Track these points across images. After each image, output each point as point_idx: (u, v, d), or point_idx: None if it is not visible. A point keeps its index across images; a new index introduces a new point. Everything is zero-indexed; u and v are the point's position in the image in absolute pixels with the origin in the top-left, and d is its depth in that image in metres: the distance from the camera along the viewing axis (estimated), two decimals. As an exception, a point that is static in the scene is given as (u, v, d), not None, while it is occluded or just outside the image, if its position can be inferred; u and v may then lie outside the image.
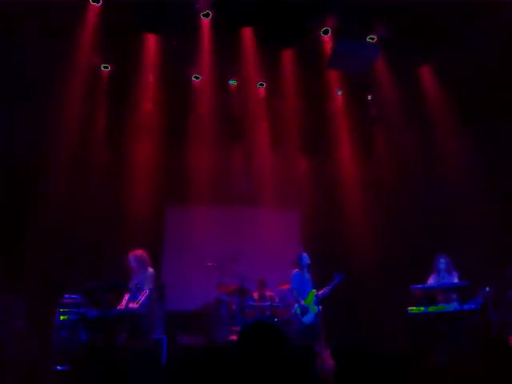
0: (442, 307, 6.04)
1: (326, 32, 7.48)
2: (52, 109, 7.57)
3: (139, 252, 6.11)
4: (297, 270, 6.87)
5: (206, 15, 7.14)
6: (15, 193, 7.29)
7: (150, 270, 6.11)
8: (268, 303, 7.41)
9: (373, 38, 7.14)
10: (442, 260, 6.44)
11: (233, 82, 8.84)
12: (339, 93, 9.01)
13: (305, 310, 6.61)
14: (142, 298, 5.82)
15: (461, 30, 6.69)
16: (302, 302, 6.67)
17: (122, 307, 5.85)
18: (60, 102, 7.60)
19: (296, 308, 6.68)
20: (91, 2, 7.06)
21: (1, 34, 6.63)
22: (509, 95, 7.44)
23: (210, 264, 7.38)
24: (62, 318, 5.84)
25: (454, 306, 6.03)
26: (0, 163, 7.23)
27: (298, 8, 6.57)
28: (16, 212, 7.23)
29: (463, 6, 6.21)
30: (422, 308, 6.01)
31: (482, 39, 6.60)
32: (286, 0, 6.39)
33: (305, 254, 6.94)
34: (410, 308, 6.10)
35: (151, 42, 7.75)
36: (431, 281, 6.47)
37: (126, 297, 5.97)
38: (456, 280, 6.36)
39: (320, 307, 6.60)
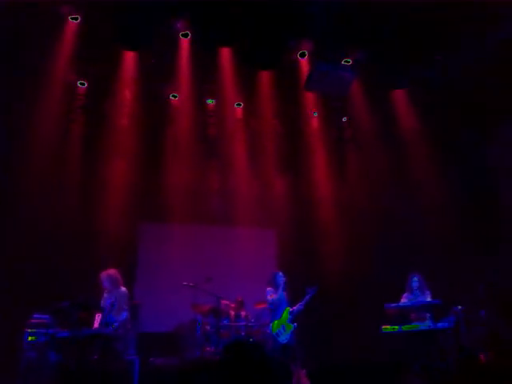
0: (415, 326, 6.11)
1: (302, 55, 7.66)
2: (26, 124, 7.45)
3: (112, 271, 6.01)
4: (270, 288, 6.82)
5: (185, 35, 7.22)
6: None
7: (123, 289, 6.01)
8: (243, 323, 7.35)
9: (348, 61, 7.34)
10: (415, 278, 6.54)
11: (210, 101, 8.91)
12: (315, 114, 9.18)
13: (280, 330, 6.55)
14: (121, 320, 5.71)
15: (434, 54, 6.92)
16: (277, 322, 6.62)
17: (95, 327, 5.71)
18: (35, 117, 7.49)
19: (272, 327, 6.62)
20: (69, 20, 7.03)
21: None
22: (481, 118, 7.70)
23: (185, 283, 7.26)
24: (30, 338, 5.66)
25: (427, 324, 6.11)
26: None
27: (275, 31, 6.71)
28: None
29: (437, 30, 6.43)
30: (397, 327, 6.06)
31: (456, 63, 6.84)
32: (264, 23, 6.50)
33: (279, 273, 6.90)
34: (383, 327, 6.14)
35: (129, 58, 7.75)
36: (404, 299, 6.55)
37: (98, 316, 5.82)
38: (429, 299, 6.45)
39: (295, 324, 6.56)
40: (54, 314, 5.55)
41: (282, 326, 6.55)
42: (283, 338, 6.48)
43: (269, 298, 6.72)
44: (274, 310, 6.67)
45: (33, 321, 5.71)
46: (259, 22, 6.46)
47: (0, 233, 7.07)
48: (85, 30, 7.03)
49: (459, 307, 6.28)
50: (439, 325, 6.03)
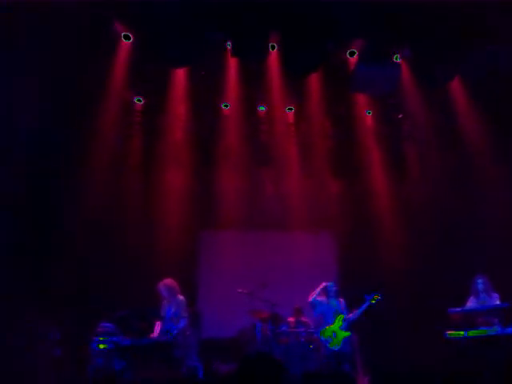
0: (483, 331, 5.76)
1: (352, 54, 7.49)
2: (89, 139, 7.87)
3: (168, 281, 6.19)
4: (323, 297, 6.75)
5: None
6: (50, 219, 7.55)
7: (181, 297, 6.17)
8: (303, 329, 7.31)
9: (397, 58, 7.10)
10: (480, 281, 6.17)
11: (262, 108, 8.97)
12: (369, 113, 8.97)
13: (331, 337, 6.46)
14: (179, 327, 5.90)
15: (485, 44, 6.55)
16: (328, 329, 6.54)
17: (155, 336, 5.92)
18: (96, 133, 7.90)
19: (321, 333, 6.54)
20: (123, 40, 7.36)
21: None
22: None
23: (239, 290, 7.35)
24: (101, 346, 5.98)
25: (495, 329, 5.74)
26: (33, 194, 7.50)
27: (319, 32, 6.63)
28: (52, 238, 7.47)
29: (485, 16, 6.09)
30: (462, 332, 5.75)
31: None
32: (307, 26, 6.44)
33: (330, 283, 6.80)
34: (448, 332, 5.86)
35: (180, 73, 8.00)
36: (470, 303, 6.20)
37: (158, 325, 6.03)
38: (497, 302, 6.07)
39: (350, 333, 6.43)
40: (117, 323, 5.82)
41: (333, 333, 6.45)
42: (334, 346, 6.37)
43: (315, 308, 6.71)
44: (323, 318, 6.59)
45: (100, 329, 6.04)
46: (301, 24, 6.39)
47: (65, 243, 7.50)
48: (137, 48, 7.34)
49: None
50: (509, 330, 5.64)
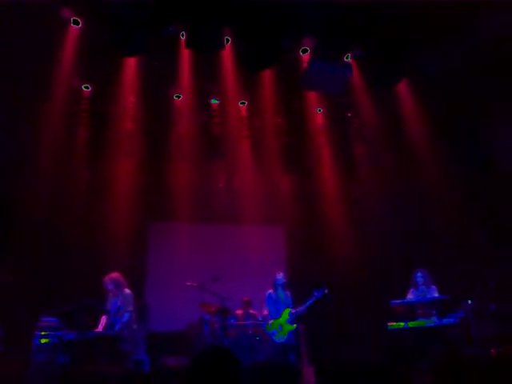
0: (421, 322, 6.07)
1: (304, 51, 7.60)
2: (32, 127, 7.55)
3: (114, 275, 6.08)
4: (270, 290, 6.87)
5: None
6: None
7: (127, 291, 6.08)
8: (250, 321, 7.39)
9: (347, 57, 7.29)
10: (419, 274, 6.49)
11: (214, 101, 8.92)
12: (319, 111, 9.15)
13: (277, 329, 6.59)
14: (123, 321, 5.80)
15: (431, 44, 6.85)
16: (275, 322, 6.66)
17: (100, 330, 5.80)
18: (40, 121, 7.59)
19: (267, 327, 6.67)
20: (72, 24, 7.09)
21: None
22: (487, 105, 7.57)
23: (189, 283, 7.33)
24: (43, 341, 5.78)
25: (433, 320, 6.06)
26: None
27: (275, 29, 6.69)
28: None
29: (435, 18, 6.36)
30: (402, 323, 6.03)
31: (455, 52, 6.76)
32: (263, 22, 6.48)
33: (279, 274, 6.90)
34: (390, 323, 6.12)
35: (131, 61, 7.81)
36: (410, 295, 6.51)
37: (103, 319, 5.91)
38: (436, 294, 6.40)
39: (296, 325, 6.57)
40: (61, 317, 5.64)
41: (279, 326, 6.58)
42: (279, 338, 6.51)
43: (266, 298, 6.81)
44: (272, 311, 6.72)
45: (41, 323, 5.84)
46: (257, 20, 6.42)
47: (7, 235, 7.18)
48: (86, 34, 7.09)
49: (469, 301, 6.21)
50: (445, 320, 5.98)
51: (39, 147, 7.65)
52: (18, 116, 7.47)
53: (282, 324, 6.60)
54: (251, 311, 7.88)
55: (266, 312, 7.52)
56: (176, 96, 8.59)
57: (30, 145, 7.58)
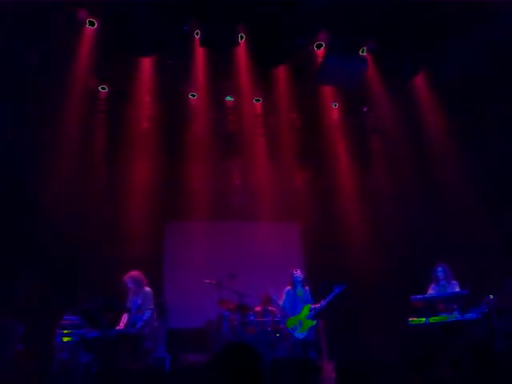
0: (443, 317, 6.00)
1: (319, 46, 7.54)
2: (50, 128, 7.65)
3: (135, 273, 6.14)
4: (288, 287, 6.86)
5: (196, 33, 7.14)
6: (13, 212, 7.33)
7: (148, 289, 6.13)
8: (269, 318, 7.39)
9: (363, 51, 7.23)
10: (441, 269, 6.41)
11: (229, 99, 8.92)
12: (335, 105, 9.09)
13: (297, 325, 6.59)
14: (144, 319, 5.86)
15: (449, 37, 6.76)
16: (294, 318, 6.65)
17: (121, 328, 5.85)
18: (58, 122, 7.68)
19: (287, 323, 6.68)
20: (87, 26, 7.14)
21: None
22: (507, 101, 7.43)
23: (207, 281, 7.36)
24: (65, 339, 5.87)
25: (455, 315, 5.98)
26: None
27: (288, 25, 6.66)
28: (14, 232, 7.26)
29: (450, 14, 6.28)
30: (423, 319, 5.96)
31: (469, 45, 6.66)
32: (277, 18, 6.46)
33: (296, 271, 6.93)
34: (410, 319, 6.06)
35: (147, 61, 7.84)
36: (431, 291, 6.43)
37: (125, 317, 5.97)
38: (457, 289, 6.32)
39: (316, 321, 6.56)
40: (82, 315, 5.71)
41: (299, 322, 6.58)
42: (299, 334, 6.51)
43: (284, 296, 6.84)
44: (290, 307, 6.72)
45: (64, 322, 5.92)
46: (270, 16, 6.40)
47: (28, 235, 7.30)
48: (102, 34, 7.15)
49: (491, 296, 6.11)
50: (467, 316, 5.89)
51: (57, 148, 7.74)
52: (36, 117, 7.55)
53: (302, 320, 6.60)
54: (270, 308, 7.87)
55: (271, 308, 7.55)
56: (191, 95, 8.61)
57: (48, 146, 7.67)
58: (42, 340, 6.00)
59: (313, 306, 6.65)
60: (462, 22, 6.30)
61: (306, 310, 6.63)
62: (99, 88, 8.31)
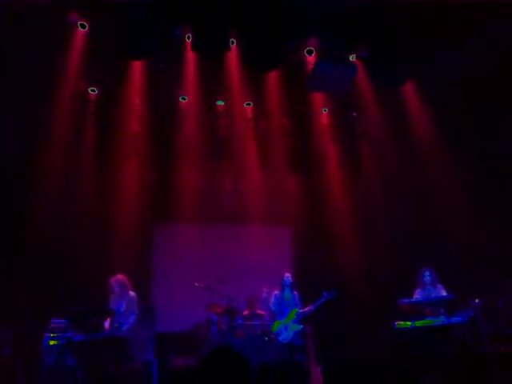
0: (429, 321, 6.05)
1: (309, 52, 7.60)
2: (40, 130, 7.61)
3: (120, 277, 6.14)
4: (277, 291, 6.89)
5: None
6: (1, 217, 7.29)
7: (132, 293, 6.14)
8: (258, 322, 7.40)
9: (353, 57, 7.31)
10: (427, 273, 6.47)
11: (220, 103, 8.94)
12: (325, 111, 9.16)
13: (282, 329, 6.62)
14: (130, 322, 5.85)
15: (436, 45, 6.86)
16: (280, 322, 6.68)
17: (107, 331, 5.83)
18: (48, 123, 7.65)
19: (271, 327, 6.69)
20: (78, 28, 7.14)
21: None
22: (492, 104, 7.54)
23: (196, 285, 7.36)
24: (51, 342, 5.82)
25: (441, 319, 6.04)
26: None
27: (279, 30, 6.72)
28: (1, 236, 7.21)
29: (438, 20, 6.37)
30: (410, 323, 6.02)
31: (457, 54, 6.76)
32: (268, 23, 6.52)
33: (286, 275, 6.96)
34: (397, 323, 6.11)
35: (137, 64, 7.85)
36: (417, 295, 6.49)
37: (108, 320, 5.94)
38: (443, 293, 6.39)
39: (302, 326, 6.59)
40: (69, 319, 5.68)
41: (285, 326, 6.60)
42: (284, 338, 6.53)
43: (273, 299, 6.86)
44: (277, 311, 6.74)
45: (50, 325, 5.88)
46: (261, 22, 6.46)
47: (15, 238, 7.25)
48: (93, 37, 7.15)
49: (476, 300, 6.19)
50: (453, 319, 5.96)
51: (46, 149, 7.71)
52: (25, 118, 7.51)
53: (288, 324, 6.62)
54: (258, 311, 7.88)
55: (259, 311, 7.57)
56: (182, 98, 8.63)
57: (37, 147, 7.64)
58: (29, 344, 5.95)
59: (300, 311, 6.66)
60: (452, 28, 6.38)
61: (292, 314, 6.65)
62: (89, 90, 8.29)
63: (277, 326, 6.65)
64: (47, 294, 7.19)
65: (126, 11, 6.29)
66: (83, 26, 7.06)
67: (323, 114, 9.16)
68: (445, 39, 6.62)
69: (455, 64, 6.96)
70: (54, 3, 6.32)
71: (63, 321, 5.82)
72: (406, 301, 6.23)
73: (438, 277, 6.48)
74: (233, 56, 7.64)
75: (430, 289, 6.43)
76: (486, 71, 7.03)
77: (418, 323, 6.00)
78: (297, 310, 6.69)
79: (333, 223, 9.37)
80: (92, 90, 8.31)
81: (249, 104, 9.01)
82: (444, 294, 6.37)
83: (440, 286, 6.46)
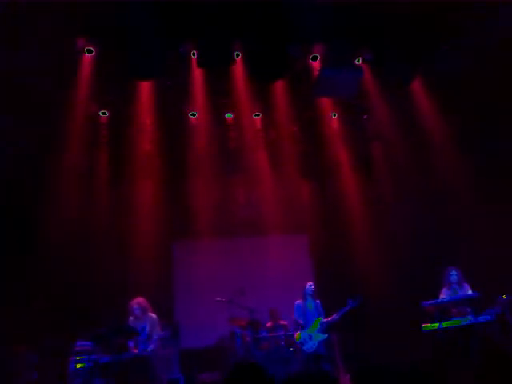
0: (456, 321, 5.93)
1: (314, 58, 7.60)
2: (54, 156, 7.72)
3: (141, 299, 6.16)
4: (300, 300, 6.85)
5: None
6: (20, 239, 7.38)
7: (153, 315, 6.15)
8: (282, 333, 7.34)
9: (358, 60, 7.31)
10: (454, 272, 6.34)
11: (229, 115, 8.98)
12: (334, 116, 9.14)
13: (306, 339, 6.55)
14: (155, 343, 5.87)
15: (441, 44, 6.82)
16: (304, 331, 6.62)
17: (133, 351, 5.83)
18: (61, 149, 7.76)
19: (296, 337, 6.63)
20: (85, 53, 7.25)
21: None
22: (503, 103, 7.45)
23: (218, 299, 7.34)
24: (78, 365, 5.84)
25: (469, 318, 5.91)
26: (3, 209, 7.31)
27: (283, 39, 6.75)
28: (23, 259, 7.30)
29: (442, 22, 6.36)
30: (437, 324, 5.90)
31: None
32: (271, 33, 6.55)
33: (309, 284, 6.93)
34: (424, 325, 6.00)
35: (145, 84, 7.94)
36: (443, 295, 6.37)
37: (133, 342, 5.94)
38: (469, 292, 6.27)
39: (328, 335, 6.52)
40: (94, 341, 5.70)
41: (309, 336, 6.53)
42: (309, 347, 6.46)
43: (295, 309, 6.84)
44: (300, 320, 6.69)
45: (76, 348, 5.90)
46: (264, 32, 6.50)
47: (34, 262, 7.33)
48: (100, 61, 7.26)
49: (504, 296, 6.04)
50: (480, 318, 5.83)
51: (61, 173, 7.81)
52: (40, 143, 7.63)
53: (312, 333, 6.55)
54: (282, 322, 7.82)
55: (282, 322, 7.52)
56: (191, 114, 8.69)
57: (53, 171, 7.74)
58: (56, 367, 5.98)
59: (324, 320, 6.59)
60: (455, 26, 6.35)
61: (316, 324, 6.58)
62: (100, 113, 8.41)
63: (301, 335, 6.58)
64: (69, 317, 7.24)
65: (129, 32, 6.36)
66: (90, 52, 7.17)
67: (333, 119, 9.13)
68: (446, 38, 6.59)
69: (455, 63, 6.93)
70: (59, 30, 6.42)
71: (88, 343, 5.84)
72: (430, 302, 6.10)
73: (463, 275, 6.35)
74: (239, 68, 7.69)
75: (457, 288, 6.31)
76: (486, 71, 6.98)
77: (446, 324, 5.88)
78: (320, 319, 6.62)
79: (349, 228, 9.31)
80: (103, 113, 8.43)
81: (257, 115, 9.03)
82: (470, 292, 6.24)
83: (466, 285, 6.34)
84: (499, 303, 5.98)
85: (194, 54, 7.23)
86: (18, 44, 6.32)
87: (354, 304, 6.59)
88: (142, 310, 6.06)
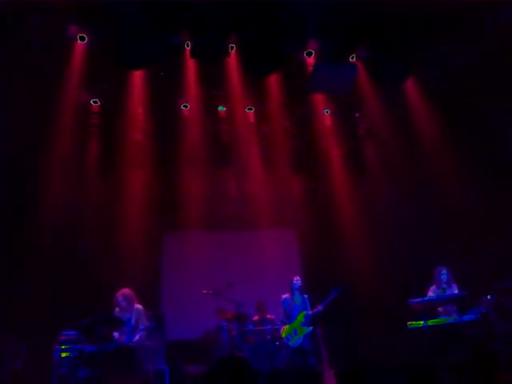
0: (441, 320, 5.99)
1: (309, 54, 7.59)
2: (44, 144, 7.65)
3: (126, 291, 6.08)
4: (287, 295, 6.86)
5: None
6: (11, 227, 7.32)
7: (139, 306, 6.11)
8: (269, 327, 7.36)
9: (352, 58, 7.30)
10: (444, 271, 6.40)
11: (221, 108, 8.94)
12: (327, 112, 9.14)
13: (292, 334, 6.57)
14: (141, 333, 5.85)
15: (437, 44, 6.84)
16: (289, 326, 6.65)
17: (117, 341, 5.81)
18: (52, 137, 7.68)
19: (281, 333, 6.66)
20: (78, 41, 7.16)
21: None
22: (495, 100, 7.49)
23: (205, 291, 7.33)
24: (63, 354, 5.82)
25: (453, 317, 5.97)
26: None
27: (278, 34, 6.72)
28: (12, 246, 7.24)
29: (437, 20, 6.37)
30: (422, 322, 5.96)
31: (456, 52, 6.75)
32: (266, 27, 6.52)
33: (296, 278, 6.91)
34: (409, 322, 6.06)
35: (138, 73, 7.86)
36: (431, 293, 6.42)
37: (117, 332, 5.92)
38: (456, 292, 6.32)
39: (311, 328, 6.55)
40: (80, 330, 5.67)
41: (294, 330, 6.56)
42: (294, 342, 6.49)
43: (282, 304, 6.83)
44: (288, 316, 6.71)
45: (61, 337, 5.88)
46: (259, 26, 6.47)
47: (23, 250, 7.27)
48: (92, 49, 7.17)
49: (488, 296, 6.11)
50: (465, 317, 5.89)
51: (51, 162, 7.74)
52: (30, 131, 7.55)
53: (297, 327, 6.57)
54: (268, 316, 7.84)
55: (269, 316, 7.54)
56: (183, 106, 8.64)
57: (42, 160, 7.68)
58: (41, 356, 5.95)
59: (308, 313, 6.61)
60: (449, 25, 6.37)
61: (300, 317, 6.60)
62: (91, 102, 8.32)
63: (287, 330, 6.60)
64: (56, 305, 7.21)
65: (123, 21, 6.29)
66: (82, 39, 7.07)
67: (326, 116, 9.13)
68: (443, 37, 6.61)
69: (453, 58, 6.95)
70: (53, 17, 6.34)
71: (74, 332, 5.82)
72: (416, 300, 6.16)
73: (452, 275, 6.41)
74: (232, 61, 7.64)
75: (446, 287, 6.37)
76: (486, 70, 7.02)
77: (431, 322, 5.94)
78: (305, 312, 6.64)
79: (339, 224, 9.35)
80: (94, 102, 8.35)
81: (250, 109, 9.00)
82: (457, 292, 6.31)
83: (454, 285, 6.41)
84: (484, 303, 6.06)
85: (187, 45, 7.17)
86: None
87: (337, 293, 6.58)
88: (127, 301, 6.02)
